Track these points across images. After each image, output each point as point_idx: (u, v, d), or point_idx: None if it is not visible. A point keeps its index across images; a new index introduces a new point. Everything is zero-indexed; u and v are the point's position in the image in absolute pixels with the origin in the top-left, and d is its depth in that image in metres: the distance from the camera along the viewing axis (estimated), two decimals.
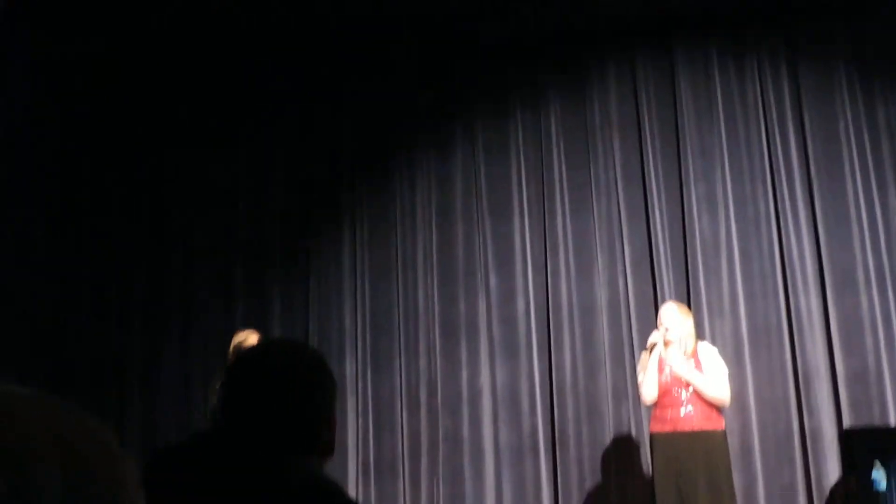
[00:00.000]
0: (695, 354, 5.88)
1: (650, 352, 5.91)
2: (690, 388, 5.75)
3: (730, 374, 6.35)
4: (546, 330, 7.32)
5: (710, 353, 5.91)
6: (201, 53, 7.85)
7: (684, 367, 5.79)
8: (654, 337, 5.93)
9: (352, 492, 7.38)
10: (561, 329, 7.28)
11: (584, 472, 7.04)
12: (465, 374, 7.42)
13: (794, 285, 6.96)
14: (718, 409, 5.81)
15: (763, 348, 6.95)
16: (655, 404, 5.86)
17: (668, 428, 5.74)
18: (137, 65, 7.93)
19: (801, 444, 6.76)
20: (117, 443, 0.78)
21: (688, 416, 5.71)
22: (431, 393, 7.43)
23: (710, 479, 5.65)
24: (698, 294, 7.06)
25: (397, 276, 7.71)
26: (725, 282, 7.08)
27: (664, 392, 5.79)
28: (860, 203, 7.00)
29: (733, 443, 6.73)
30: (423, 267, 7.68)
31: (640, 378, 6.00)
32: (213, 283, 8.00)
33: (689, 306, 6.89)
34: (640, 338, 6.99)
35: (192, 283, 8.02)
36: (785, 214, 7.08)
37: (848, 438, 1.39)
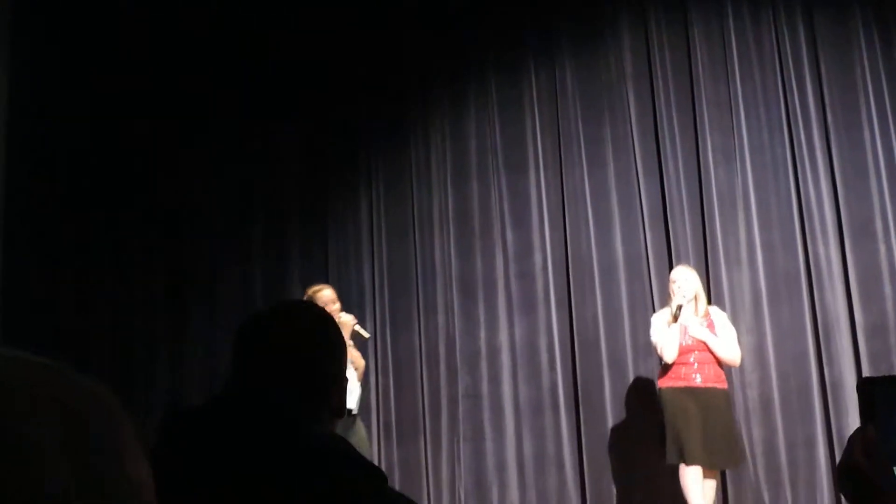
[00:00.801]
0: (707, 316, 6.22)
1: (677, 313, 6.13)
2: (695, 353, 6.09)
3: (749, 326, 6.83)
4: (564, 285, 7.31)
5: (721, 316, 6.27)
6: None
7: (701, 329, 6.11)
8: (679, 299, 6.15)
9: (374, 451, 7.43)
10: (579, 284, 7.26)
11: (605, 427, 7.05)
12: (483, 331, 7.43)
13: (813, 235, 6.92)
14: (725, 369, 6.20)
15: (782, 299, 6.92)
16: (671, 363, 6.13)
17: (680, 384, 6.08)
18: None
19: (822, 396, 6.76)
20: (117, 403, 0.78)
21: (699, 374, 6.07)
22: (450, 351, 7.44)
23: (723, 432, 6.05)
24: (715, 245, 7.02)
25: (414, 234, 7.71)
26: (743, 232, 7.04)
27: (680, 352, 6.09)
28: (878, 150, 6.94)
29: (752, 395, 6.78)
30: (440, 224, 7.67)
31: (654, 338, 6.26)
32: (231, 246, 8.01)
33: (706, 258, 6.94)
34: (658, 291, 6.97)
35: (210, 246, 8.04)
36: (802, 163, 7.02)
37: (866, 387, 1.38)
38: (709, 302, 6.66)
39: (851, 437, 1.30)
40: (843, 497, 1.32)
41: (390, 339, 7.61)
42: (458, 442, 7.31)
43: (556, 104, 7.54)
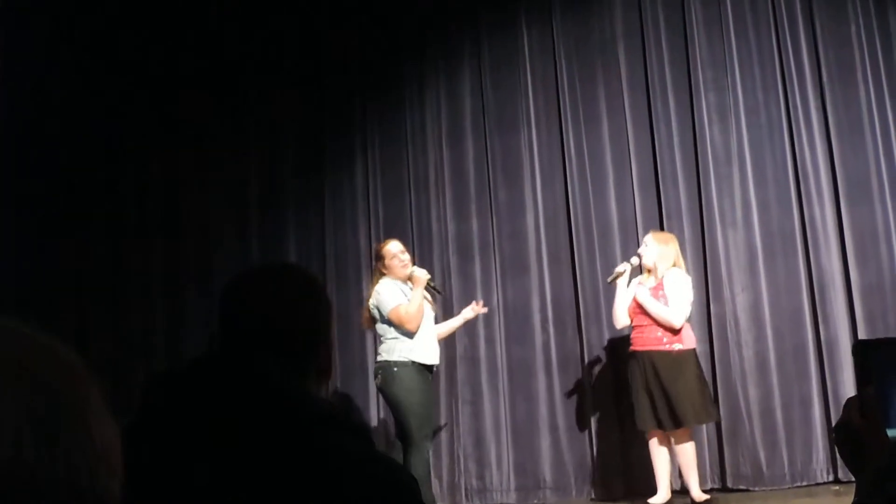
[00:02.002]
0: (662, 281, 6.21)
1: (613, 280, 6.34)
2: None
3: (744, 286, 6.84)
4: (555, 245, 7.31)
5: (674, 280, 6.19)
6: None
7: (642, 293, 6.17)
8: (621, 267, 6.35)
9: (374, 414, 7.46)
10: (572, 244, 7.25)
11: (600, 388, 7.06)
12: (480, 292, 7.41)
13: (808, 194, 6.90)
14: (679, 330, 6.12)
15: (777, 259, 6.92)
16: (632, 326, 6.26)
17: (635, 348, 6.20)
18: None
19: (817, 356, 6.76)
20: (83, 365, 0.77)
21: (650, 336, 6.12)
22: (447, 312, 7.42)
23: (685, 391, 6.01)
24: (710, 205, 7.01)
25: (410, 195, 7.70)
26: (737, 192, 7.02)
27: (634, 315, 6.23)
28: (873, 110, 6.90)
29: (748, 355, 6.78)
30: (436, 186, 7.66)
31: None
32: (228, 211, 8.01)
33: (701, 217, 6.95)
34: None
35: (207, 208, 8.03)
36: (797, 122, 6.99)
37: (862, 350, 1.37)
38: (704, 262, 6.69)
39: (850, 399, 1.30)
40: (839, 457, 1.31)
41: None
42: (457, 404, 7.32)
43: (549, 63, 7.51)
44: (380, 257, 6.12)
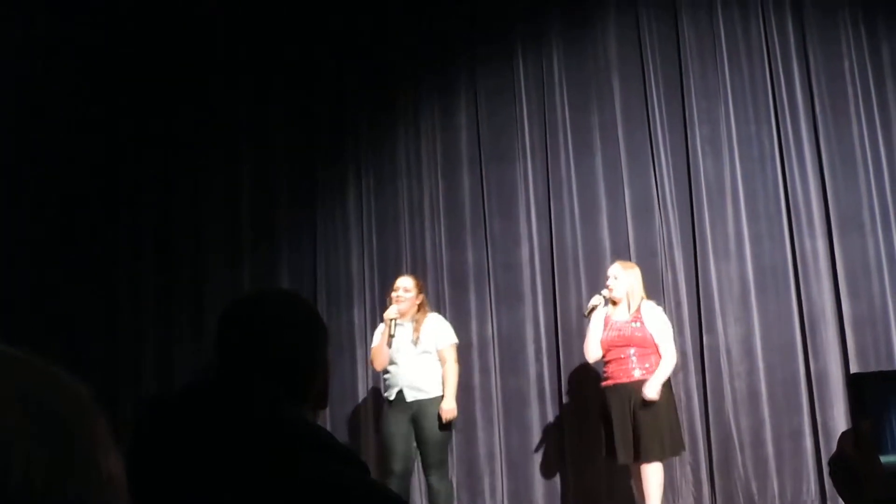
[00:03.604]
0: (638, 312, 6.13)
1: (590, 314, 6.24)
2: (632, 348, 6.04)
3: (737, 318, 6.84)
4: (550, 276, 7.30)
5: (653, 314, 6.15)
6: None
7: (660, 378, 5.98)
8: (595, 300, 6.25)
9: (363, 442, 7.43)
10: (564, 275, 7.26)
11: (588, 419, 7.04)
12: (474, 323, 7.40)
13: (800, 227, 6.92)
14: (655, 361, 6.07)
15: (769, 291, 6.93)
16: (603, 361, 6.19)
17: (614, 380, 6.08)
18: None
19: (808, 388, 6.76)
20: (91, 397, 0.77)
21: (628, 369, 6.02)
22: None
23: (655, 425, 5.94)
24: (703, 236, 7.03)
25: (404, 224, 7.70)
26: (731, 224, 7.04)
27: (607, 349, 6.13)
28: (865, 143, 6.93)
29: (740, 387, 6.79)
30: (431, 215, 7.65)
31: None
32: (220, 236, 8.00)
33: (694, 249, 6.94)
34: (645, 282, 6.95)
35: (199, 234, 8.03)
36: (790, 154, 7.02)
37: (856, 382, 1.38)
38: (697, 294, 6.69)
39: (845, 431, 1.31)
40: (835, 489, 1.32)
41: None
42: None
43: (544, 93, 7.53)
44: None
